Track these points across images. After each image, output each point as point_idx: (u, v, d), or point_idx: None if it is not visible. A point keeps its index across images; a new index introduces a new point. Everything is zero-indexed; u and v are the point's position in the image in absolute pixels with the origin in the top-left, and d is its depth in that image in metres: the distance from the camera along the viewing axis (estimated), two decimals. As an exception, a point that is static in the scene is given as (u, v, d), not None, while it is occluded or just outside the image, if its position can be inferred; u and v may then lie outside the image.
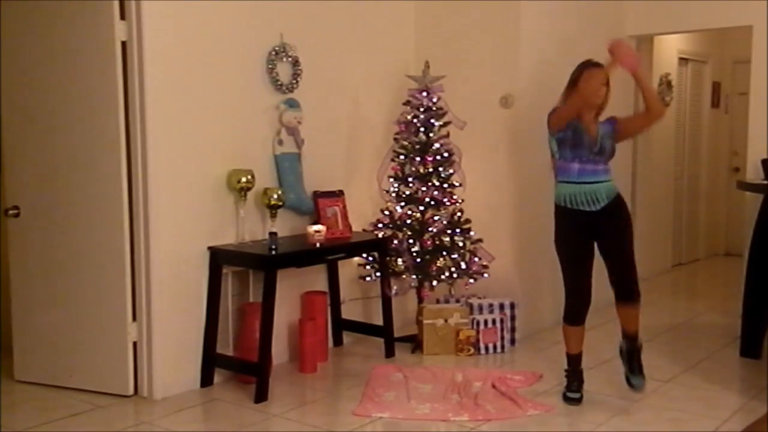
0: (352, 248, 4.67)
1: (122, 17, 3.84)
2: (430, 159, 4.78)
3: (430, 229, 4.81)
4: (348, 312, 4.98)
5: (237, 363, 4.23)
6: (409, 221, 4.82)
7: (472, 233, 4.88)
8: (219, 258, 4.15)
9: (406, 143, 4.84)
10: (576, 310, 3.97)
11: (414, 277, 4.89)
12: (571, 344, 4.04)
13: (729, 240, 8.36)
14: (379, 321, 4.82)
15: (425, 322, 4.78)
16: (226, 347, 4.28)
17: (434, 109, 4.82)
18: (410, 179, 4.82)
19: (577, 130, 3.81)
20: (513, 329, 4.94)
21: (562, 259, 3.97)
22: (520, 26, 4.99)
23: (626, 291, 3.85)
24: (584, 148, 3.80)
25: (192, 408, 3.92)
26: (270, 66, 4.40)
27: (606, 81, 3.84)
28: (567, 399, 3.97)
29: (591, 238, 3.88)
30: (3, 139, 4.24)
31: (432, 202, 4.80)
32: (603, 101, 3.88)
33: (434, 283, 4.87)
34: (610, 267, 3.89)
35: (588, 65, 3.90)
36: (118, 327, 3.99)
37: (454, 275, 4.85)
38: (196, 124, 4.08)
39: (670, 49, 7.40)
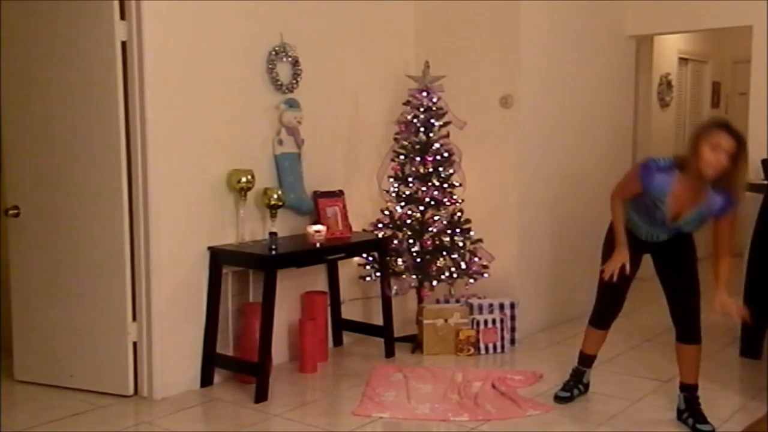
0: (352, 248, 4.67)
1: (122, 17, 3.84)
2: (430, 159, 4.78)
3: (430, 229, 4.81)
4: (348, 312, 4.98)
5: (237, 363, 4.23)
6: (409, 221, 4.82)
7: (472, 233, 4.88)
8: (219, 258, 4.15)
9: (406, 143, 4.84)
10: (606, 316, 3.91)
11: (414, 277, 4.89)
12: (588, 344, 4.01)
13: (729, 240, 8.34)
14: (379, 321, 4.82)
15: (425, 322, 4.78)
16: (226, 347, 4.29)
17: (434, 109, 4.82)
18: (410, 179, 4.82)
19: (653, 203, 3.43)
20: (513, 329, 4.94)
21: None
22: (520, 26, 4.99)
23: (688, 331, 3.66)
24: (656, 221, 3.50)
25: (192, 408, 3.92)
26: (270, 66, 4.40)
27: (734, 154, 3.21)
28: (556, 397, 3.97)
29: (644, 253, 3.71)
30: (3, 139, 4.24)
31: (432, 202, 4.80)
32: (726, 175, 3.26)
33: (434, 283, 4.87)
34: (671, 299, 3.67)
35: (718, 127, 3.27)
36: (118, 327, 3.99)
37: (454, 275, 4.85)
38: (196, 124, 4.08)
39: (670, 49, 7.40)
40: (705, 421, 3.62)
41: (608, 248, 3.72)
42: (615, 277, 3.56)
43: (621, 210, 3.61)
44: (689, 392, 3.72)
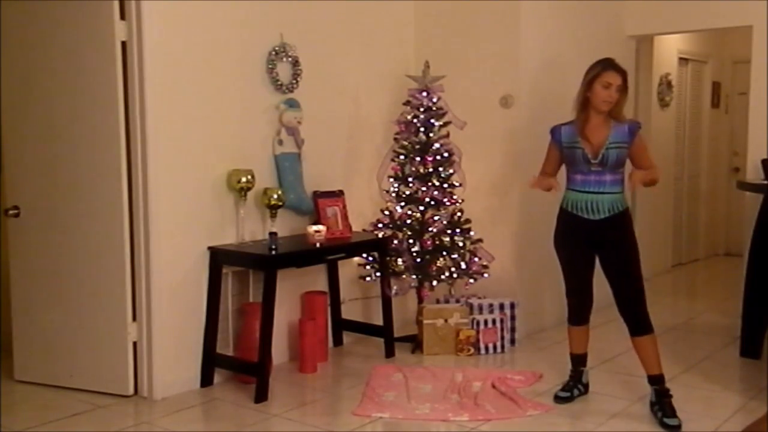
0: (352, 248, 4.67)
1: (122, 17, 3.84)
2: (430, 159, 4.78)
3: (430, 229, 4.81)
4: (348, 312, 4.98)
5: (237, 363, 4.23)
6: (409, 221, 4.82)
7: (472, 233, 4.88)
8: (219, 258, 4.15)
9: (406, 143, 4.84)
10: (578, 310, 3.98)
11: (414, 277, 4.89)
12: (573, 344, 4.06)
13: (729, 240, 8.36)
14: (379, 321, 4.82)
15: (425, 322, 4.78)
16: (226, 347, 4.29)
17: (434, 109, 4.82)
18: (410, 179, 4.82)
19: (570, 147, 3.76)
20: (513, 329, 4.94)
21: (561, 261, 3.97)
22: (520, 26, 4.99)
23: (636, 323, 3.73)
24: (581, 164, 3.73)
25: (192, 408, 3.92)
26: (270, 66, 4.40)
27: (621, 87, 3.71)
28: (556, 397, 3.98)
29: (590, 246, 3.82)
30: (3, 139, 4.24)
31: (432, 202, 4.80)
32: (615, 104, 3.72)
33: (434, 283, 4.87)
34: (615, 292, 3.77)
35: (607, 67, 3.73)
36: (118, 327, 3.99)
37: (454, 275, 4.85)
38: (196, 124, 4.08)
39: (670, 49, 7.40)
40: (673, 415, 3.62)
41: (558, 231, 3.93)
42: (536, 184, 3.91)
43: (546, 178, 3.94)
44: (658, 384, 3.74)
